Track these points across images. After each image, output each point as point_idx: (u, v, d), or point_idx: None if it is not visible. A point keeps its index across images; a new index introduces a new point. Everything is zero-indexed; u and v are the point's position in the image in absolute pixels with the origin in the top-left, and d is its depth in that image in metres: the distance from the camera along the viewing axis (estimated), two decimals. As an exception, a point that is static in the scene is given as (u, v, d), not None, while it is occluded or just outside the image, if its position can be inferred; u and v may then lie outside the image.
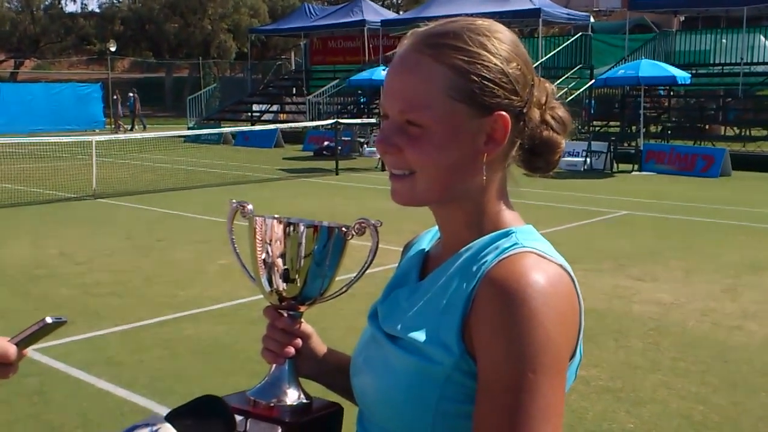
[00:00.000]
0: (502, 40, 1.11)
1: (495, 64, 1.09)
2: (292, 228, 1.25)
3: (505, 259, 1.05)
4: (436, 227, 1.24)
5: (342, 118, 22.21)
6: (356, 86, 25.55)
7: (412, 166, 1.11)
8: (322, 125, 22.25)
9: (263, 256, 1.27)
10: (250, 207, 1.29)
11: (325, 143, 22.37)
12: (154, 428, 1.07)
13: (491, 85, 1.08)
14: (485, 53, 1.09)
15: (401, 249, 1.36)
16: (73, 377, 5.11)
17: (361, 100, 27.93)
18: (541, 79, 1.18)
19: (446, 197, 1.13)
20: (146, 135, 19.92)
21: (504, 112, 1.09)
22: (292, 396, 1.27)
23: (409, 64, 1.10)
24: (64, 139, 18.18)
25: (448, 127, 1.09)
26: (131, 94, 36.34)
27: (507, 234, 1.11)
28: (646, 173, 17.74)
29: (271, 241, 1.25)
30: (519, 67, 1.11)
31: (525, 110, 1.12)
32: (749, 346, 5.69)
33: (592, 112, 21.91)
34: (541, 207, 11.74)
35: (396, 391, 1.09)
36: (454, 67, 1.08)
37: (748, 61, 21.95)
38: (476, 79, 1.08)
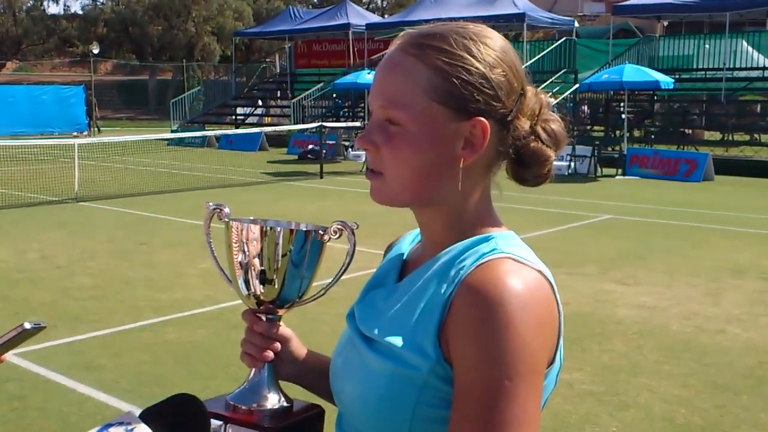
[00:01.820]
0: (489, 46, 1.10)
1: (477, 69, 1.08)
2: (268, 231, 1.23)
3: (483, 264, 1.04)
4: (418, 229, 1.23)
5: (327, 122, 22.17)
6: (334, 91, 25.53)
7: (385, 165, 1.11)
8: (307, 129, 22.22)
9: (240, 259, 1.25)
10: (227, 210, 1.28)
11: (310, 147, 22.32)
12: (129, 428, 1.05)
13: (471, 89, 1.07)
14: (468, 57, 1.08)
15: (383, 251, 1.34)
16: (54, 382, 5.06)
17: (339, 102, 27.91)
18: (538, 90, 1.16)
19: (420, 199, 1.13)
20: (129, 138, 19.78)
21: (483, 118, 1.08)
22: (272, 400, 1.26)
23: (393, 63, 1.11)
24: (47, 142, 18.05)
25: (424, 128, 1.08)
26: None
27: (487, 239, 1.10)
28: (630, 177, 17.84)
29: (248, 244, 1.24)
30: (504, 74, 1.10)
31: (510, 118, 1.11)
32: (731, 350, 5.71)
33: (572, 114, 21.93)
34: (526, 211, 11.76)
35: (373, 395, 1.08)
36: (435, 67, 1.08)
37: (731, 66, 22.11)
38: (456, 81, 1.07)
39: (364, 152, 1.16)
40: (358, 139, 1.14)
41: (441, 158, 1.09)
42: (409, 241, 1.28)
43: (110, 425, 1.05)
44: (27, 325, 1.17)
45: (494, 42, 1.11)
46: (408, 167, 1.09)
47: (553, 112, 1.19)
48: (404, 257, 1.24)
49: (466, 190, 1.12)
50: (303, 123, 24.52)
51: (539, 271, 1.06)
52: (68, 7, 71.56)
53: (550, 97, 1.30)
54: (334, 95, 27.04)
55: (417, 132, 1.08)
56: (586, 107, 22.71)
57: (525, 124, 1.12)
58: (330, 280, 1.33)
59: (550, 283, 1.06)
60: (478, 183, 1.13)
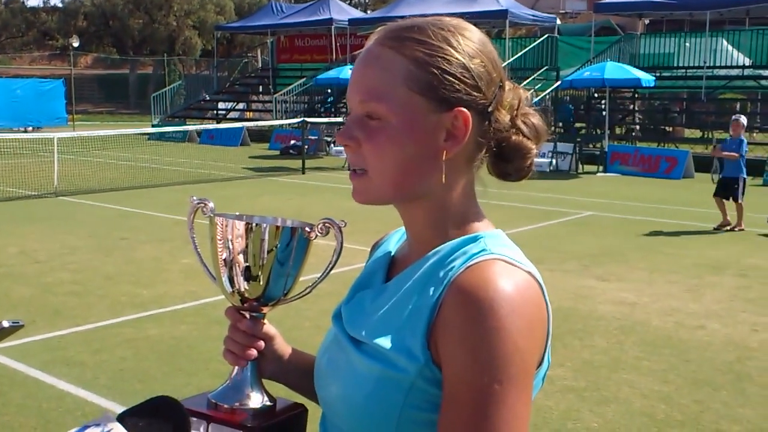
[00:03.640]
0: (467, 37, 1.09)
1: (456, 59, 1.07)
2: (254, 227, 1.21)
3: (473, 266, 1.03)
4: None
5: (309, 117, 22.11)
6: (325, 85, 25.45)
7: (367, 162, 1.09)
8: (289, 124, 22.16)
9: (224, 255, 1.23)
10: (211, 205, 1.26)
11: (292, 142, 22.28)
12: (106, 428, 1.04)
13: (451, 79, 1.06)
14: (447, 47, 1.07)
15: (368, 249, 1.33)
16: (33, 378, 5.02)
17: (329, 100, 27.85)
18: (516, 85, 1.16)
19: (404, 195, 1.11)
20: (109, 132, 19.62)
21: (465, 109, 1.07)
22: (255, 399, 1.24)
23: (371, 57, 1.10)
24: (26, 136, 17.88)
25: (405, 120, 1.07)
26: None
27: (475, 239, 1.09)
28: (611, 174, 17.93)
29: (232, 240, 1.21)
30: (483, 64, 1.09)
31: (490, 110, 1.10)
32: (711, 345, 5.76)
33: (572, 118, 21.94)
34: (507, 207, 11.79)
35: (359, 397, 1.06)
36: (414, 59, 1.07)
37: (711, 64, 22.28)
38: (436, 72, 1.06)
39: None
40: (338, 135, 1.12)
41: (423, 151, 1.08)
42: (396, 240, 1.27)
43: (87, 427, 1.04)
44: (5, 324, 1.16)
45: (472, 34, 1.11)
46: (390, 162, 1.07)
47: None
48: (392, 254, 1.23)
49: (449, 184, 1.10)
50: (285, 118, 24.46)
51: (529, 272, 1.05)
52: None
53: (532, 93, 1.29)
54: (329, 90, 26.85)
55: (398, 125, 1.06)
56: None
57: (505, 117, 1.12)
58: (314, 277, 1.32)
59: (540, 284, 1.05)
60: (461, 177, 1.12)
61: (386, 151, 1.07)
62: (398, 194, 1.11)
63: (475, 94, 1.08)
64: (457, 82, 1.07)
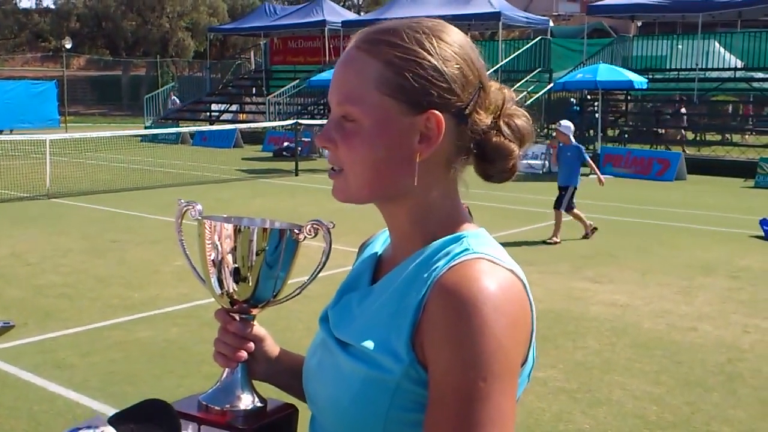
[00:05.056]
0: (444, 40, 1.10)
1: (429, 62, 1.07)
2: (242, 229, 1.21)
3: (456, 266, 1.04)
4: None
5: (302, 119, 22.10)
6: (319, 87, 25.47)
7: (343, 162, 1.11)
8: (282, 126, 22.14)
9: (213, 257, 1.23)
10: (198, 207, 1.25)
11: (285, 144, 22.26)
12: (96, 431, 1.04)
13: (424, 83, 1.07)
14: (420, 50, 1.08)
15: (358, 250, 1.33)
16: (23, 380, 5.00)
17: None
18: (502, 85, 1.16)
19: (379, 195, 1.12)
20: (102, 134, 19.58)
21: (438, 112, 1.07)
22: (246, 400, 1.24)
23: (348, 60, 1.12)
24: (18, 137, 17.82)
25: (377, 122, 1.08)
26: None
27: (458, 239, 1.09)
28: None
29: (221, 242, 1.22)
30: (459, 67, 1.09)
31: (467, 112, 1.10)
32: (702, 347, 5.77)
33: (577, 120, 21.93)
34: (501, 209, 11.81)
35: (346, 398, 1.07)
36: (386, 62, 1.08)
37: (703, 66, 22.35)
38: (408, 75, 1.07)
39: None
40: (318, 137, 1.13)
41: (397, 153, 1.08)
42: (382, 240, 1.27)
43: (78, 429, 1.04)
44: None
45: (449, 36, 1.11)
46: (364, 163, 1.09)
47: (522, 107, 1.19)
48: (378, 255, 1.24)
49: (427, 185, 1.11)
50: (278, 120, 24.43)
51: (511, 271, 1.06)
52: (40, 1, 70.36)
53: (525, 95, 1.29)
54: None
55: (371, 127, 1.08)
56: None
57: (486, 119, 1.12)
58: (304, 279, 1.32)
59: (523, 282, 1.06)
60: (440, 178, 1.13)
61: (359, 153, 1.09)
62: (373, 194, 1.12)
63: (450, 97, 1.08)
64: (429, 85, 1.07)
